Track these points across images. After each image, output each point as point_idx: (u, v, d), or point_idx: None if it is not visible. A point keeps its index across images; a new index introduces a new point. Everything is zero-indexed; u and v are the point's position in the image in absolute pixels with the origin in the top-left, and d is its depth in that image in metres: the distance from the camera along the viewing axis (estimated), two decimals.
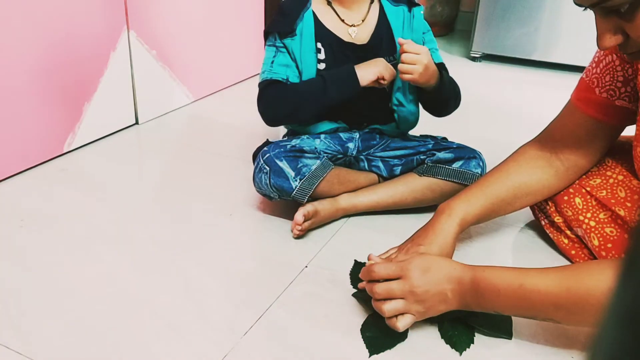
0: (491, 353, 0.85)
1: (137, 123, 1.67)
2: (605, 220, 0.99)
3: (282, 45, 1.14)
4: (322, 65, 1.15)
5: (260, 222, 1.18)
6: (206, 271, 1.01)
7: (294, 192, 1.08)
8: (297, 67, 1.14)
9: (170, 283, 0.98)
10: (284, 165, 1.09)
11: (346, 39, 1.15)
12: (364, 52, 1.15)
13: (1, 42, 1.24)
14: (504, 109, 1.94)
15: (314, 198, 1.13)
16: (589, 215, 1.01)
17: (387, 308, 0.82)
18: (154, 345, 0.84)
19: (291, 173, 1.08)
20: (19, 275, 0.99)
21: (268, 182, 1.09)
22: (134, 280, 0.98)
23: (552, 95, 2.11)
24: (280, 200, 1.14)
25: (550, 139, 1.05)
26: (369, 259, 0.91)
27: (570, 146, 1.02)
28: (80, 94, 1.47)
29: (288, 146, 1.11)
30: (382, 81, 1.10)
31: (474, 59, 2.50)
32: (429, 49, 1.11)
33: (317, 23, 1.14)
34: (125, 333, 0.86)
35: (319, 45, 1.14)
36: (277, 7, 2.08)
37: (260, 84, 1.16)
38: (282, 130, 1.36)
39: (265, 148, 1.13)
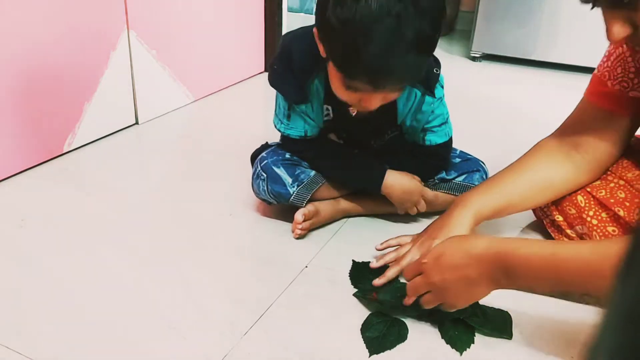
0: (491, 353, 0.85)
1: (137, 123, 1.67)
2: (607, 219, 0.99)
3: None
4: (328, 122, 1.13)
5: (260, 222, 1.18)
6: (206, 271, 1.01)
7: (292, 198, 1.09)
8: (309, 116, 1.10)
9: (170, 283, 0.98)
10: (281, 172, 1.09)
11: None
12: (366, 122, 1.08)
13: (1, 42, 1.24)
14: (504, 109, 1.94)
15: (314, 200, 1.13)
16: (591, 213, 1.01)
17: (425, 303, 0.84)
18: (154, 345, 0.84)
19: (288, 180, 1.09)
20: (19, 275, 0.99)
21: (266, 188, 1.10)
22: (134, 280, 0.98)
23: (552, 95, 2.12)
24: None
25: (567, 134, 1.03)
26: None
27: (589, 140, 1.01)
28: (80, 93, 1.47)
29: (286, 154, 1.12)
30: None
31: (474, 58, 2.49)
32: (435, 118, 1.09)
33: (327, 86, 1.05)
34: (125, 333, 0.86)
35: (328, 107, 1.09)
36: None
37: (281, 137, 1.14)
38: None
39: (263, 154, 1.13)
